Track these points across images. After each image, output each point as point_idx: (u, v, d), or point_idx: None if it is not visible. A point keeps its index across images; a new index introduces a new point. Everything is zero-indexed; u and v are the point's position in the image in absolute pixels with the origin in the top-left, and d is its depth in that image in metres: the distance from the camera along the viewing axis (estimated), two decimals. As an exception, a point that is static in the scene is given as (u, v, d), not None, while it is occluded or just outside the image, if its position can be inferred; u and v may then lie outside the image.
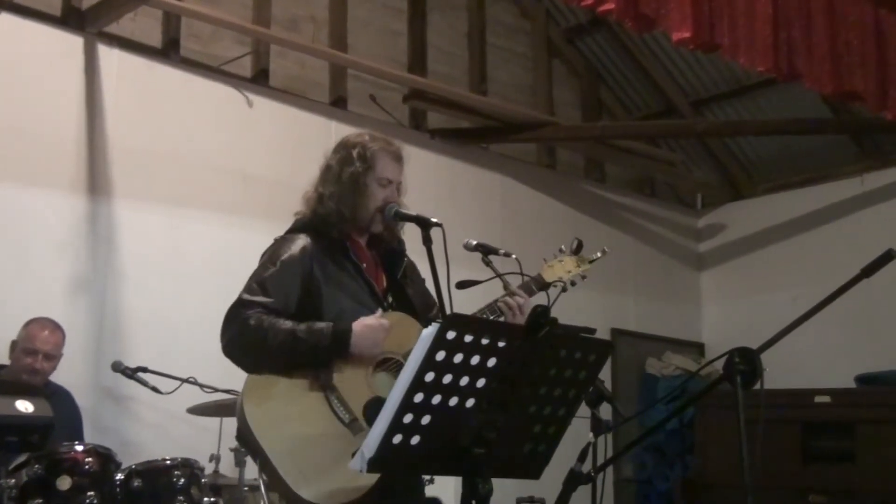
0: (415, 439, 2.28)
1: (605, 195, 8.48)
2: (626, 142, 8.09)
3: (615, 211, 8.48)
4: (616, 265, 7.78)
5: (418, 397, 2.24)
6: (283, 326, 2.97)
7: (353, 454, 2.28)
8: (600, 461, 2.81)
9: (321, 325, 2.99)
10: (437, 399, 2.26)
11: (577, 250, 3.56)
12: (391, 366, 3.09)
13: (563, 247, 3.57)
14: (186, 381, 5.05)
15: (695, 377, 6.55)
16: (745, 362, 2.48)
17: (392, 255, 3.34)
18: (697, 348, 8.68)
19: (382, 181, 3.22)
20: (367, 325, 3.01)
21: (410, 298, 3.30)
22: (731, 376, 2.49)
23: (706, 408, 6.13)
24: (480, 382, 2.30)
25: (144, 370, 5.13)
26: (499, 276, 3.22)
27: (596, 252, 3.63)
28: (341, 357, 2.99)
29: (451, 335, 2.22)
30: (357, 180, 3.20)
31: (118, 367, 5.13)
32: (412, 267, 3.38)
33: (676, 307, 8.71)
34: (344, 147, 3.29)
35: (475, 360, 2.27)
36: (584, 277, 3.55)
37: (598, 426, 2.85)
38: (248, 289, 3.07)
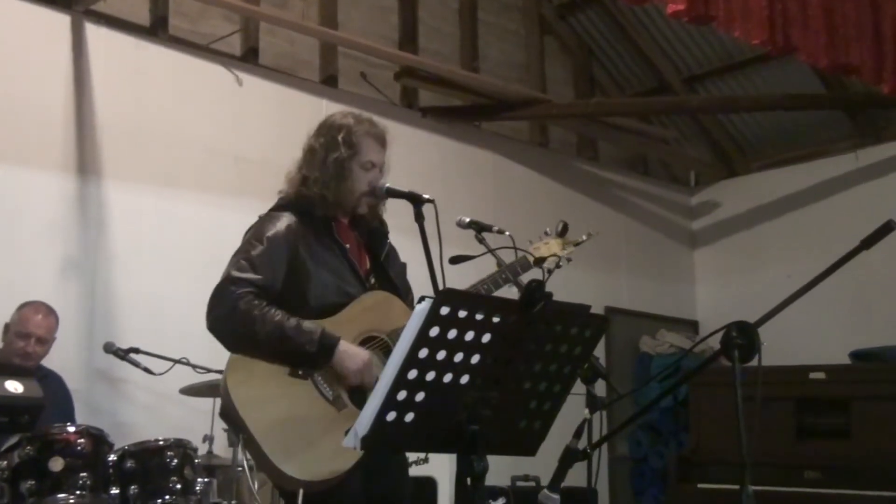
0: (409, 416, 2.25)
1: (598, 173, 8.44)
2: (618, 119, 8.06)
3: (608, 189, 8.45)
4: (609, 243, 7.76)
5: (412, 374, 2.21)
6: (272, 318, 2.95)
7: (347, 432, 2.26)
8: (595, 438, 2.78)
9: (310, 326, 2.97)
10: (431, 375, 2.23)
11: (563, 233, 3.54)
12: (376, 344, 3.09)
13: (548, 229, 3.54)
14: (179, 361, 5.04)
15: (689, 355, 6.53)
16: (743, 336, 2.45)
17: (375, 236, 3.33)
18: (691, 326, 8.68)
19: (367, 165, 3.22)
20: (355, 353, 2.99)
21: (393, 279, 3.29)
22: (728, 351, 2.46)
23: (700, 385, 6.11)
24: (475, 358, 2.28)
25: (136, 351, 5.12)
26: (491, 251, 3.21)
27: (581, 234, 3.61)
28: (322, 366, 2.97)
29: (444, 310, 2.19)
30: (342, 166, 3.19)
31: (110, 349, 5.12)
32: (393, 251, 3.38)
33: (670, 285, 8.70)
34: (328, 130, 3.26)
35: (469, 335, 2.24)
36: (569, 260, 3.53)
37: (593, 403, 2.83)
38: (236, 265, 3.05)
